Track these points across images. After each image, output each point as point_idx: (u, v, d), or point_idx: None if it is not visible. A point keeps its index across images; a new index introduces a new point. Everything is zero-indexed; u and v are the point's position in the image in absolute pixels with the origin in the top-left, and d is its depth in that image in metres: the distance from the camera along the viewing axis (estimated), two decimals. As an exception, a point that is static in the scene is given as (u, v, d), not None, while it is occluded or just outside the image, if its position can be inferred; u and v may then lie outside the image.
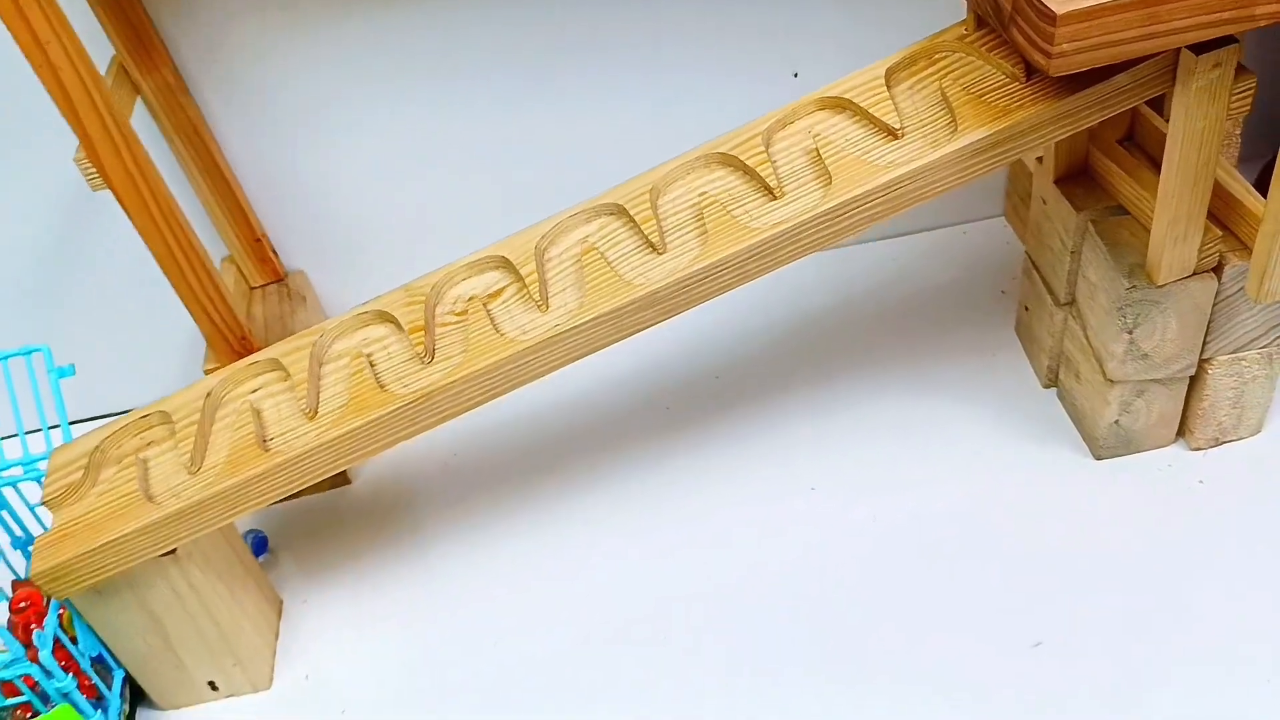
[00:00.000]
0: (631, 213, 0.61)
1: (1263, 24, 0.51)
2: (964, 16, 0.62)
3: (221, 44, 0.73)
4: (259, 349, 0.67)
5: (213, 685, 0.68)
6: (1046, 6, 0.48)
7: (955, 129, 0.57)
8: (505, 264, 0.62)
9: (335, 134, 0.79)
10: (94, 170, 0.63)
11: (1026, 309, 0.78)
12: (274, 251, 0.83)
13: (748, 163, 0.60)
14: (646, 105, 0.81)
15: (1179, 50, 0.53)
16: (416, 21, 0.74)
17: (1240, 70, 0.54)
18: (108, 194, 0.64)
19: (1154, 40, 0.51)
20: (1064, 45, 0.49)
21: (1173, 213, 0.59)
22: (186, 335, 0.77)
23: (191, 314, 0.70)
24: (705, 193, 0.61)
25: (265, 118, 0.77)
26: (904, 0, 0.78)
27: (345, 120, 0.78)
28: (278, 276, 0.84)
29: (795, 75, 0.82)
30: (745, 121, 0.77)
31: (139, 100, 0.72)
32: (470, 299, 0.62)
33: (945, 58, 0.61)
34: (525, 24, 0.76)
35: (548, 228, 0.62)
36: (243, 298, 0.81)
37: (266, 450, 0.59)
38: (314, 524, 0.79)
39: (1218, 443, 0.71)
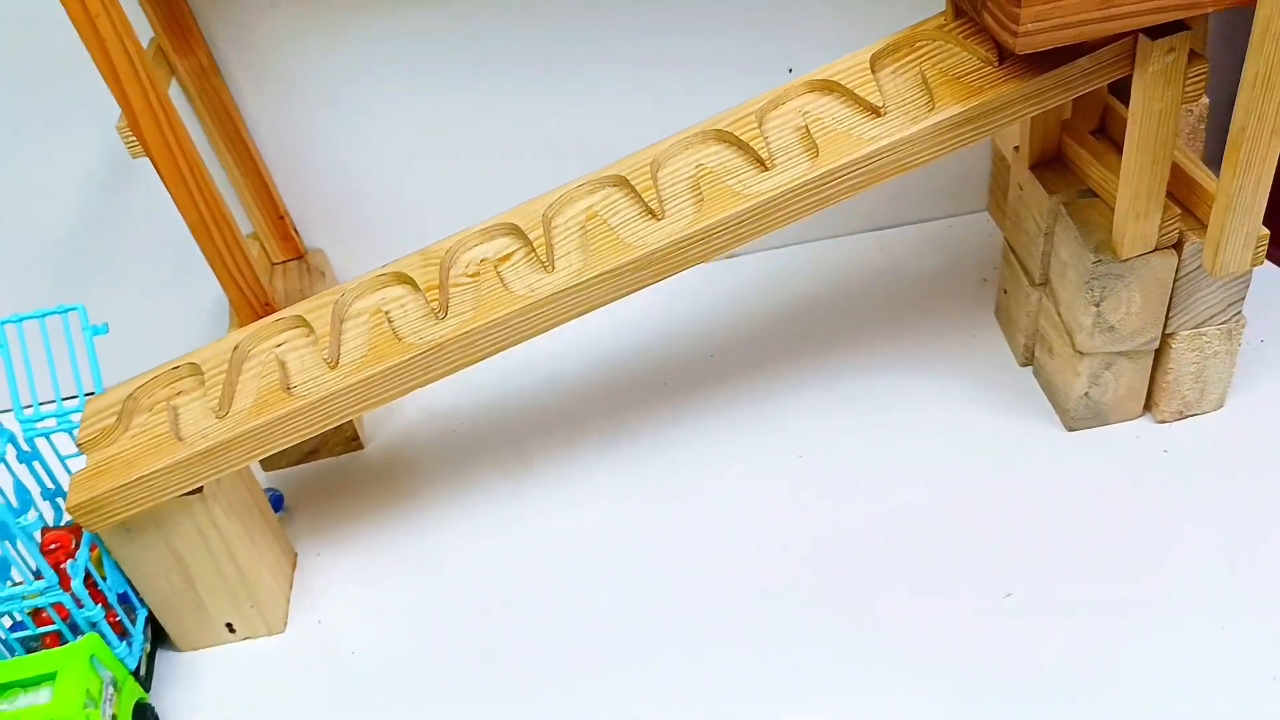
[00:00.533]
0: (633, 183, 0.66)
1: (1209, 10, 0.56)
2: (944, 8, 0.67)
3: (253, 29, 0.78)
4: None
5: (230, 627, 0.72)
6: (1014, -10, 0.53)
7: (932, 107, 0.62)
8: (515, 230, 0.67)
9: (356, 118, 0.83)
10: (134, 139, 0.68)
11: (1005, 292, 0.83)
12: (295, 229, 0.87)
13: (742, 138, 0.65)
14: (649, 95, 0.86)
15: (1137, 36, 0.58)
16: (436, 12, 0.79)
17: (1193, 56, 0.59)
18: (145, 162, 0.69)
19: (1111, 23, 0.55)
20: (1029, 25, 0.54)
21: (1134, 189, 0.63)
22: (213, 301, 0.82)
23: (220, 280, 0.75)
24: (702, 165, 0.66)
25: (291, 101, 0.82)
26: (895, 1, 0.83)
27: (366, 104, 0.83)
28: (298, 254, 0.88)
29: (790, 70, 0.87)
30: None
31: (174, 81, 0.77)
32: (482, 261, 0.66)
33: (926, 44, 0.66)
34: (536, 17, 0.81)
35: (555, 197, 0.67)
36: (265, 272, 0.86)
37: (290, 395, 0.64)
38: (327, 485, 0.84)
39: (1182, 416, 0.75)
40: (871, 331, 0.87)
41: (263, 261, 0.87)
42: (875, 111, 0.63)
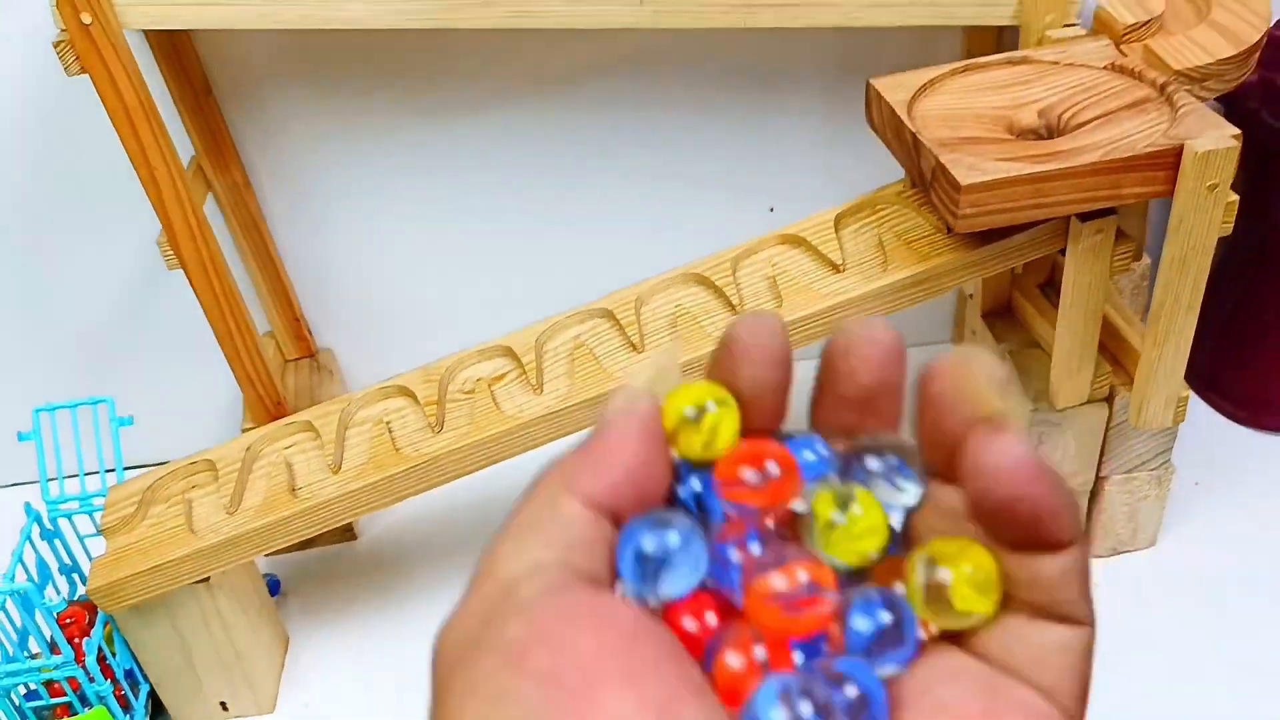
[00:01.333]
0: (618, 317, 0.73)
1: (1130, 202, 0.63)
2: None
3: (282, 144, 0.86)
4: (291, 414, 0.78)
5: (224, 705, 0.77)
6: (954, 177, 0.61)
7: (886, 268, 0.69)
8: (509, 353, 0.74)
9: (372, 228, 0.91)
10: (172, 254, 0.75)
11: (974, 334, 0.89)
12: (309, 330, 0.95)
13: (717, 283, 0.72)
14: (641, 226, 0.94)
15: (1069, 217, 0.66)
16: (455, 136, 0.87)
17: (1120, 236, 0.67)
18: (178, 272, 0.77)
19: (1043, 209, 0.63)
20: (967, 210, 0.61)
21: (1067, 346, 0.70)
22: (229, 396, 0.89)
23: (238, 380, 0.82)
24: (680, 305, 0.73)
25: (313, 211, 0.90)
26: (868, 159, 0.92)
27: (381, 216, 0.91)
28: (310, 352, 0.95)
29: (771, 210, 0.95)
30: (724, 245, 0.90)
31: (210, 195, 0.85)
32: (478, 380, 0.73)
33: (886, 208, 0.74)
34: (547, 149, 0.89)
35: (547, 325, 0.74)
36: (278, 369, 0.93)
37: (295, 497, 0.70)
38: (321, 573, 0.89)
39: (1115, 553, 0.81)
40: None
41: (277, 359, 0.94)
42: (835, 268, 0.70)
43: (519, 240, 0.93)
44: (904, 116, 0.68)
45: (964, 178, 0.61)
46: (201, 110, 0.82)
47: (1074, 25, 0.75)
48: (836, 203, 0.92)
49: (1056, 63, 0.72)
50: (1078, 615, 0.25)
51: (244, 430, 0.84)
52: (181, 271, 0.76)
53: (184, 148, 0.81)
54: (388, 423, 0.73)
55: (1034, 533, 0.24)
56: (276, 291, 0.91)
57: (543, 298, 0.84)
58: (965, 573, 0.24)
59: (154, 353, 0.94)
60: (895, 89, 0.70)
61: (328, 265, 0.92)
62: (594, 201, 0.92)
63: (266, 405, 0.84)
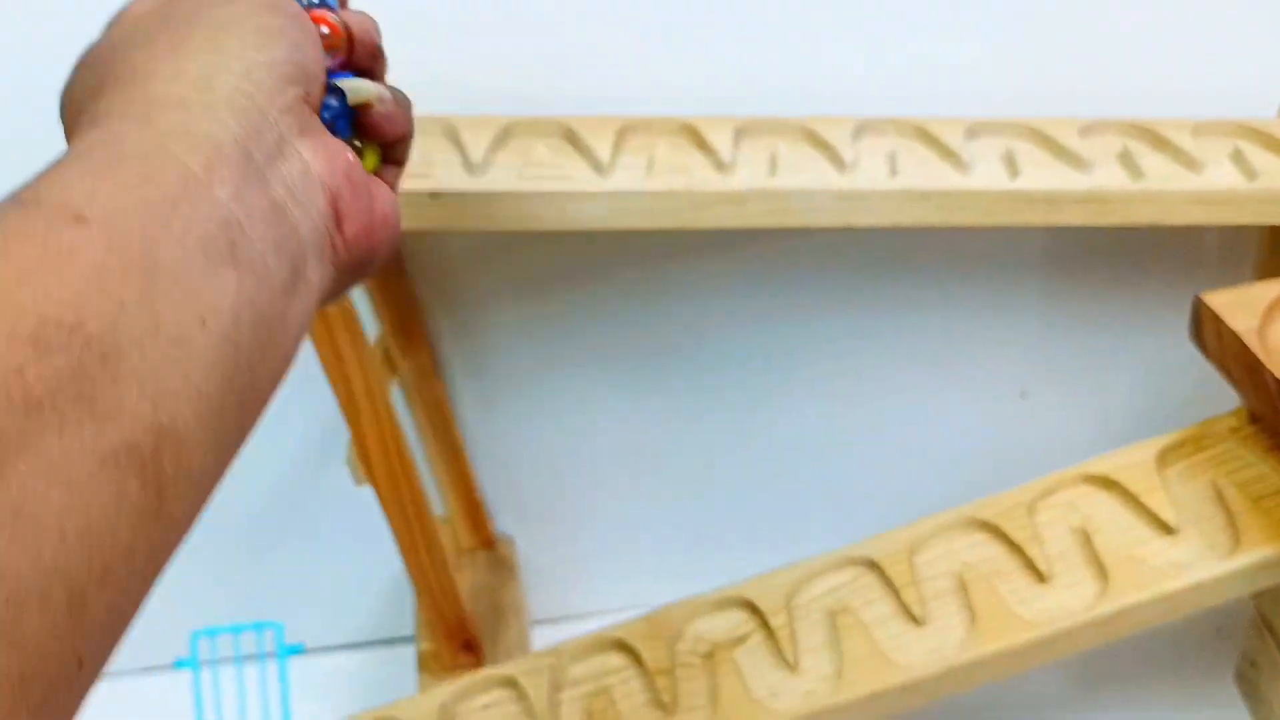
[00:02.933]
0: (885, 569, 0.61)
1: None
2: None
3: (477, 328, 0.76)
4: (472, 631, 0.68)
5: None
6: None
7: (1238, 539, 0.56)
8: (749, 606, 0.62)
9: (565, 417, 0.81)
10: (361, 470, 0.66)
11: (1253, 665, 0.75)
12: (488, 515, 0.85)
13: (1010, 533, 0.60)
14: (866, 415, 0.82)
15: None
16: (669, 323, 0.77)
17: None
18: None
19: None
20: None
21: None
22: (400, 604, 0.79)
23: (419, 602, 0.72)
24: (967, 561, 0.60)
25: (504, 395, 0.80)
26: (1134, 327, 0.79)
27: (577, 404, 0.80)
28: (488, 540, 0.85)
29: (1023, 394, 0.82)
30: (971, 435, 0.77)
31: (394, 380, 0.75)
32: (714, 643, 0.61)
33: (1216, 447, 0.61)
34: (760, 344, 0.78)
35: (794, 573, 0.62)
36: (454, 561, 0.83)
37: (503, 781, 0.59)
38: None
39: None
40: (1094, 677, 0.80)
41: (452, 549, 0.84)
42: (1167, 529, 0.57)
43: (729, 438, 0.82)
44: (1258, 351, 0.55)
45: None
46: (393, 289, 0.72)
47: None
48: (1095, 388, 0.79)
49: None
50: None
51: (421, 654, 0.73)
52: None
53: (370, 326, 0.73)
54: (608, 689, 0.61)
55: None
56: (457, 476, 0.81)
57: (761, 511, 0.73)
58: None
59: (313, 539, 0.84)
60: (1238, 311, 0.58)
61: (512, 451, 0.82)
62: (815, 390, 0.81)
63: (449, 629, 0.73)
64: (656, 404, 0.80)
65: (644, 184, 0.59)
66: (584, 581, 0.89)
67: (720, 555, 0.88)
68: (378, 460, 0.65)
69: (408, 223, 0.58)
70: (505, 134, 0.62)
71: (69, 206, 0.25)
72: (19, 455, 0.21)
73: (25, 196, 0.26)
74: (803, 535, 0.88)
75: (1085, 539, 0.59)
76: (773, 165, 0.62)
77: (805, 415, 0.81)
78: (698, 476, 0.84)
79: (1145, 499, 0.59)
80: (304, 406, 0.76)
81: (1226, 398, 0.75)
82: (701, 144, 0.63)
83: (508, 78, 0.64)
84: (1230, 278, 0.76)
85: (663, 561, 0.89)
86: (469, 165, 0.60)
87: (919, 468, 0.85)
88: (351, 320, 0.61)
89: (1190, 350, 0.65)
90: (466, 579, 0.82)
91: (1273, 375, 0.53)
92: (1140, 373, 0.80)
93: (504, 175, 0.60)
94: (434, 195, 0.58)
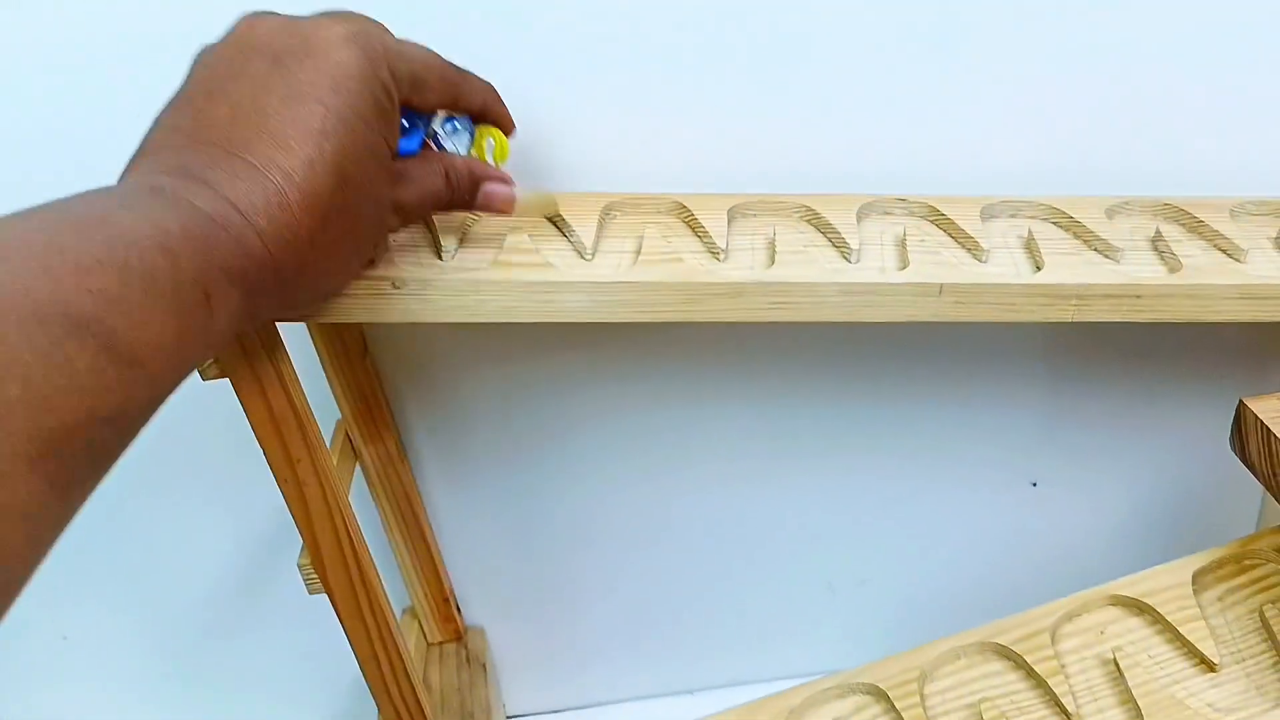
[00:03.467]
0: (894, 699, 0.55)
1: None
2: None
3: (445, 411, 0.71)
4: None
5: None
6: None
7: (1290, 679, 0.50)
8: (747, 735, 0.56)
9: (543, 502, 0.75)
10: (315, 577, 0.60)
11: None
12: (458, 609, 0.78)
13: (1034, 665, 0.54)
14: (873, 503, 0.76)
15: None
16: (653, 407, 0.71)
17: None
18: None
19: None
20: None
21: None
22: (359, 702, 0.73)
23: (380, 715, 0.65)
24: (985, 696, 0.54)
25: (475, 482, 0.74)
26: (1149, 422, 0.74)
27: (556, 489, 0.74)
28: (458, 635, 0.79)
29: (1034, 485, 0.76)
30: (983, 524, 0.72)
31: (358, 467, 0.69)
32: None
33: (1259, 567, 0.55)
34: (753, 415, 0.72)
35: (792, 701, 0.56)
36: (420, 659, 0.76)
37: None
38: None
39: None
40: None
41: (420, 646, 0.77)
42: (1207, 665, 0.52)
43: (718, 528, 0.76)
44: (1317, 472, 0.49)
45: None
46: (354, 371, 0.66)
47: None
48: (1108, 479, 0.74)
49: None
50: None
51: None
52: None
53: (331, 414, 0.66)
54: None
55: None
56: (424, 567, 0.75)
57: (752, 606, 0.67)
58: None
59: (271, 635, 0.78)
60: (1290, 422, 0.52)
61: (484, 540, 0.76)
62: (813, 476, 0.75)
63: (413, 741, 0.67)
64: (639, 491, 0.74)
65: (631, 273, 0.53)
66: (560, 675, 0.83)
67: (708, 651, 0.82)
68: (333, 569, 0.59)
69: (366, 315, 0.52)
70: (478, 213, 0.57)
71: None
72: None
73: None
74: (797, 633, 0.82)
75: (1116, 672, 0.53)
76: (771, 252, 0.56)
77: (801, 505, 0.76)
78: (683, 567, 0.78)
79: (1183, 628, 0.53)
80: (264, 494, 0.70)
81: (1253, 494, 0.69)
82: (695, 226, 0.58)
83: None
84: (1258, 365, 0.71)
85: (642, 655, 0.83)
86: (437, 249, 0.54)
87: (927, 561, 0.79)
88: (303, 415, 0.54)
89: (1213, 442, 0.60)
90: (434, 677, 0.76)
91: (1330, 500, 0.48)
92: (1157, 464, 0.75)
93: (475, 261, 0.54)
94: (396, 284, 0.52)
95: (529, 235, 0.56)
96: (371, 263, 0.50)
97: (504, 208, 0.51)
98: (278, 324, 0.53)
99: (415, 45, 0.48)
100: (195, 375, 0.51)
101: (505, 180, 0.52)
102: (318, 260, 0.42)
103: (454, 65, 0.50)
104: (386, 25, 0.47)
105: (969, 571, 0.80)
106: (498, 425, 0.71)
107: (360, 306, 0.52)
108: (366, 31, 0.44)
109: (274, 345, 0.52)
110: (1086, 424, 0.74)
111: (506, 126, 0.54)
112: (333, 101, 0.41)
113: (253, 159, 0.39)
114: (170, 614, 0.77)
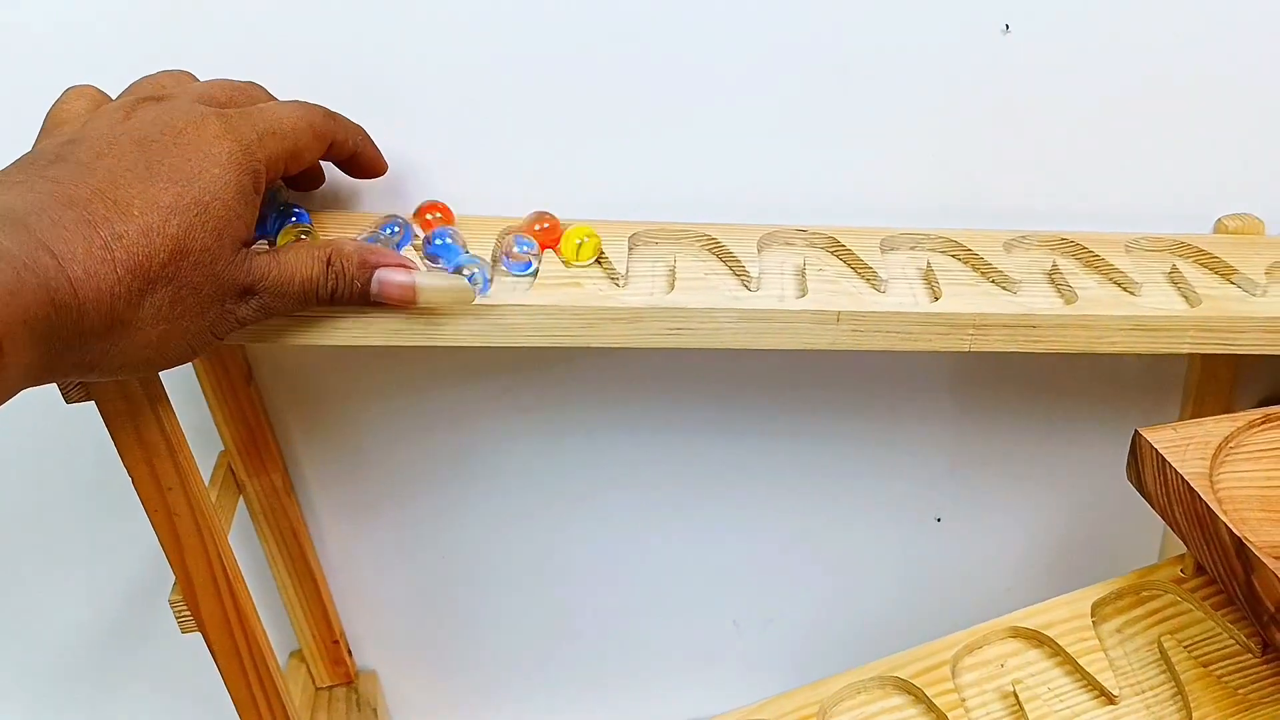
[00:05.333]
0: (794, 738, 0.53)
1: None
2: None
3: (337, 441, 0.68)
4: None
5: None
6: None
7: (1187, 712, 0.50)
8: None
9: (440, 537, 0.72)
10: (189, 614, 0.56)
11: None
12: (349, 651, 0.75)
13: (934, 698, 0.53)
14: (778, 539, 0.75)
15: None
16: (548, 439, 0.69)
17: None
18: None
19: None
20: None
21: None
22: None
23: (258, 761, 0.62)
24: (883, 730, 0.53)
25: (368, 517, 0.71)
26: (1052, 454, 0.74)
27: (454, 523, 0.72)
28: (348, 679, 0.75)
29: (938, 520, 0.76)
30: (882, 560, 0.71)
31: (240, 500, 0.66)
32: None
33: (1158, 599, 0.55)
34: (655, 449, 0.71)
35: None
36: (307, 705, 0.73)
37: None
38: None
39: None
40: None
41: (308, 691, 0.74)
42: (1106, 697, 0.51)
43: (619, 563, 0.74)
44: (1210, 501, 0.49)
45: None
46: (237, 399, 0.63)
47: (1392, 359, 0.57)
48: (1012, 515, 0.74)
49: (1391, 419, 0.54)
50: None
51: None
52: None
53: (213, 444, 0.63)
54: None
55: None
56: (313, 608, 0.72)
57: (651, 642, 0.65)
58: None
59: (144, 682, 0.73)
60: (1185, 451, 0.52)
61: (375, 578, 0.73)
62: (717, 509, 0.74)
63: (295, 792, 0.63)
64: (539, 528, 0.72)
65: (527, 297, 0.52)
66: (454, 718, 0.80)
67: (611, 692, 0.80)
68: (207, 605, 0.56)
69: (246, 338, 0.50)
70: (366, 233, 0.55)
71: None
72: None
73: None
74: (702, 672, 0.81)
75: (1016, 705, 0.52)
76: (672, 279, 0.55)
77: (706, 541, 0.74)
78: (585, 606, 0.76)
79: (1082, 660, 0.53)
80: (135, 534, 0.66)
81: (1156, 524, 0.70)
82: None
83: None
84: (1156, 399, 0.71)
85: (542, 697, 0.80)
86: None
87: (833, 597, 0.78)
88: (173, 441, 0.51)
89: (1115, 473, 0.60)
90: (321, 724, 0.72)
91: (1229, 528, 0.48)
92: (1061, 495, 0.75)
93: (363, 282, 0.51)
94: (279, 305, 0.49)
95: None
96: (210, 343, 0.45)
97: (402, 298, 0.48)
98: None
99: (287, 107, 0.47)
100: (59, 398, 0.48)
101: (405, 266, 0.48)
102: (137, 326, 0.40)
103: (326, 112, 0.50)
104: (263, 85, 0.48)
105: (875, 608, 0.79)
106: (391, 458, 0.68)
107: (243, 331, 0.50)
108: (238, 126, 0.44)
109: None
110: (991, 457, 0.74)
111: (378, 167, 0.54)
112: (191, 187, 0.41)
113: (86, 214, 0.38)
114: (39, 659, 0.72)
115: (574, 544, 0.73)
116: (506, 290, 0.52)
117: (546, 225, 0.56)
